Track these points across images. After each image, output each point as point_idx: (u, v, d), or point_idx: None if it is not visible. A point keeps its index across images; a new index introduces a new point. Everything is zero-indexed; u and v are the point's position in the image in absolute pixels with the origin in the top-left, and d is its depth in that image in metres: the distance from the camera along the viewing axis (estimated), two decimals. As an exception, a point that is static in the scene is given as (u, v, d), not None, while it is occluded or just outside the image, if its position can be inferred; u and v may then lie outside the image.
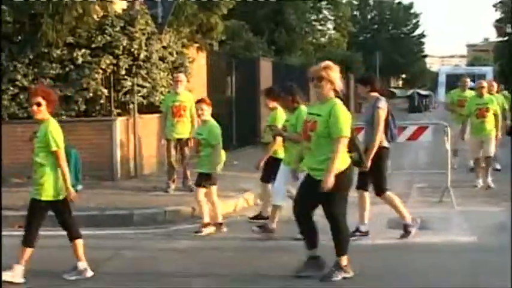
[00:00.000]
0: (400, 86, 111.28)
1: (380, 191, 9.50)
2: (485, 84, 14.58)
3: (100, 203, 11.63)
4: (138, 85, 14.85)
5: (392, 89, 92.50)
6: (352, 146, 7.68)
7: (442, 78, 52.60)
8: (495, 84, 16.71)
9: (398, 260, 8.45)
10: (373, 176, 9.31)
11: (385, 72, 76.12)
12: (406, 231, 9.44)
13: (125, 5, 15.70)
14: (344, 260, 7.41)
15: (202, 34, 18.17)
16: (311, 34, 47.78)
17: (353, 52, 57.12)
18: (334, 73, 7.34)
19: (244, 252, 8.97)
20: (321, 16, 51.26)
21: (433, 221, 10.58)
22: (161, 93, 15.33)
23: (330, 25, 53.35)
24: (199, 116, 10.51)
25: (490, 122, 13.90)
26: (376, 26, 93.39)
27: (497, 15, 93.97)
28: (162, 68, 15.66)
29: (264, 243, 9.44)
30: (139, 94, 14.91)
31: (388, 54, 79.24)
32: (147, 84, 15.11)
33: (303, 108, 9.12)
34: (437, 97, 55.33)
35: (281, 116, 10.07)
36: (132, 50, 14.63)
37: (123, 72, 14.66)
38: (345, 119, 7.25)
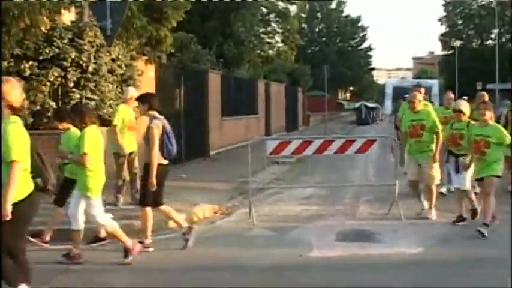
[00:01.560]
0: (348, 98, 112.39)
1: (158, 205, 9.68)
2: (419, 97, 12.35)
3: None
4: (86, 98, 14.70)
5: (340, 101, 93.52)
6: (36, 171, 6.62)
7: (389, 91, 53.30)
8: (452, 96, 15.27)
9: (347, 272, 8.51)
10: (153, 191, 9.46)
11: (333, 84, 76.68)
12: (186, 240, 9.67)
13: (73, 16, 15.57)
14: None
15: (151, 47, 18.11)
16: (259, 47, 47.95)
17: (301, 65, 57.51)
18: (7, 87, 6.34)
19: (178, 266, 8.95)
20: (269, 29, 51.55)
21: (381, 233, 10.67)
22: (109, 106, 15.21)
23: (278, 38, 53.65)
24: None
25: (427, 142, 11.89)
26: (324, 39, 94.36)
27: (443, 29, 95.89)
28: (110, 80, 15.55)
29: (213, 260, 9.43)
30: (87, 107, 14.76)
31: (335, 67, 79.83)
32: (96, 97, 14.97)
33: (90, 128, 8.99)
34: (384, 109, 56.02)
35: (75, 135, 9.55)
36: (81, 62, 14.51)
37: (71, 84, 14.52)
38: (16, 141, 6.19)
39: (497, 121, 14.41)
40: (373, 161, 19.76)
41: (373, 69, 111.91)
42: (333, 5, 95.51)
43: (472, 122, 11.28)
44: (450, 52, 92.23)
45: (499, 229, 10.51)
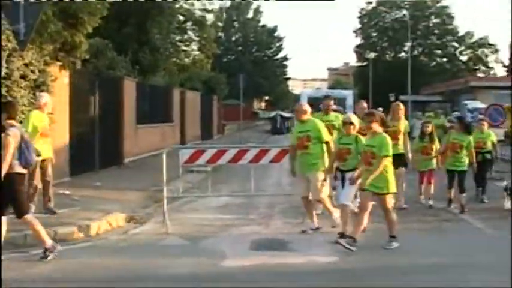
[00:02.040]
0: (263, 107, 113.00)
1: (20, 215, 9.48)
2: (305, 107, 11.86)
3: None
4: (-3, 103, 14.34)
5: (255, 111, 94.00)
6: None
7: (303, 101, 53.81)
8: (365, 105, 14.64)
9: (261, 282, 8.55)
10: (12, 201, 9.36)
11: (249, 93, 76.98)
12: (45, 255, 9.40)
13: (-16, 20, 15.17)
14: None
15: (65, 52, 17.78)
16: (175, 54, 47.73)
17: (217, 73, 57.53)
18: None
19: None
20: (185, 37, 51.39)
21: (295, 242, 10.76)
22: (22, 112, 14.87)
23: (195, 46, 53.54)
24: None
25: (314, 154, 11.43)
26: (240, 48, 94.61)
27: (358, 41, 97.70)
28: (23, 86, 15.20)
29: (125, 267, 9.34)
30: (-2, 112, 14.40)
31: (251, 76, 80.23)
32: (7, 103, 14.62)
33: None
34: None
35: None
36: (-8, 66, 14.15)
37: (-18, 89, 14.13)
38: None
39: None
40: (287, 170, 19.88)
41: (288, 79, 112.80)
42: (250, 15, 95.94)
43: (360, 136, 11.02)
44: (364, 63, 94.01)
45: (410, 238, 10.78)
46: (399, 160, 13.95)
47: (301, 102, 11.95)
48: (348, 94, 51.38)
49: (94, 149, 19.94)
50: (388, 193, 10.32)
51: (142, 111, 26.42)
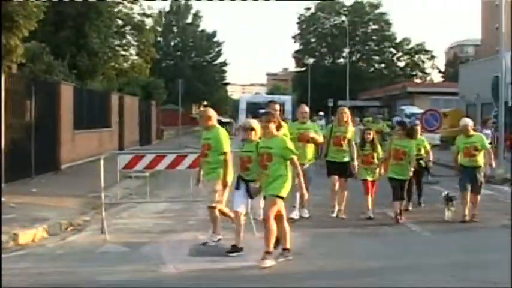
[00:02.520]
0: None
1: None
2: (210, 112, 11.44)
3: None
4: None
5: (194, 116, 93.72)
6: None
7: (242, 106, 53.87)
8: (306, 109, 14.14)
9: (201, 286, 8.53)
10: None
11: (188, 99, 76.78)
12: None
13: None
14: None
15: (1, 56, 17.50)
16: (114, 59, 47.28)
17: (156, 78, 57.24)
18: None
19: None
20: (124, 41, 50.93)
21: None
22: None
23: (133, 51, 53.10)
24: None
25: (211, 162, 11.10)
26: (179, 53, 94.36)
27: (297, 46, 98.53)
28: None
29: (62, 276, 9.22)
30: None
31: (190, 81, 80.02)
32: None
33: None
34: (238, 124, 56.53)
35: None
36: None
37: None
38: None
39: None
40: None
41: (227, 84, 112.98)
42: (189, 19, 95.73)
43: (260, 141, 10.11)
44: (303, 69, 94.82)
45: (348, 241, 10.90)
46: (342, 169, 14.00)
47: (208, 109, 11.02)
48: (287, 99, 51.58)
49: (30, 155, 19.59)
50: (277, 196, 9.66)
51: (80, 117, 26.10)
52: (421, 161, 15.57)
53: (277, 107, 13.05)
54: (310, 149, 13.81)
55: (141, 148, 37.29)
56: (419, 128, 16.33)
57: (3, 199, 14.35)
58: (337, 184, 13.94)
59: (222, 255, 10.12)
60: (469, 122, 14.14)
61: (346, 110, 14.42)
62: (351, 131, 14.10)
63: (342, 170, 13.90)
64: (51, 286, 8.53)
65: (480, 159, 13.86)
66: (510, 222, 12.53)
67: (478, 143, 13.83)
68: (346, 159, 13.93)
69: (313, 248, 10.65)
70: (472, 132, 14.01)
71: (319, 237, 10.96)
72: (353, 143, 14.11)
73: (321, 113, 33.23)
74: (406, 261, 9.97)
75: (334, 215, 13.84)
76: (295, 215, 13.27)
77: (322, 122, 33.26)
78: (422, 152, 15.72)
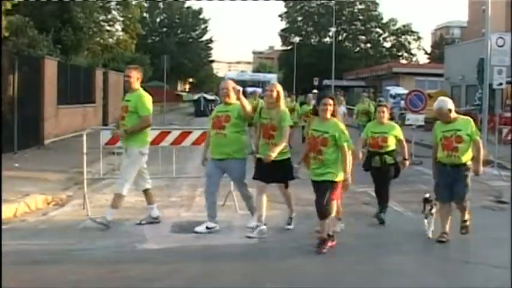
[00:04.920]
0: (187, 90, 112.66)
1: None
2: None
3: None
4: None
5: (179, 93, 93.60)
6: None
7: (228, 83, 53.92)
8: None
9: (182, 263, 8.54)
10: None
11: (173, 75, 76.57)
12: None
13: None
14: None
15: (-17, 30, 17.39)
16: (99, 34, 47.05)
17: (141, 54, 57.05)
18: None
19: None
20: (109, 16, 50.65)
21: (216, 225, 10.77)
22: None
23: (119, 26, 52.87)
24: None
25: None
26: (165, 30, 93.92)
27: (283, 25, 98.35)
28: None
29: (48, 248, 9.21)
30: None
31: (176, 58, 79.81)
32: None
33: None
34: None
35: None
36: None
37: None
38: None
39: None
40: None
41: (213, 61, 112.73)
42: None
43: None
44: (289, 47, 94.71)
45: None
46: None
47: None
48: (272, 77, 51.59)
49: (13, 130, 19.49)
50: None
51: (64, 92, 25.98)
52: (387, 157, 11.37)
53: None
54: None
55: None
56: (386, 111, 11.67)
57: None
58: None
59: (204, 232, 10.15)
60: (447, 104, 10.10)
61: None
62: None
63: None
64: (32, 261, 8.51)
65: (465, 153, 9.89)
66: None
67: (463, 130, 9.91)
68: None
69: (297, 225, 10.68)
70: (453, 117, 10.05)
71: (301, 216, 10.97)
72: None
73: (315, 91, 31.82)
74: (386, 240, 10.03)
75: None
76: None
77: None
78: (391, 143, 11.37)
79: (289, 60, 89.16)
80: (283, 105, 10.31)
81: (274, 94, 10.19)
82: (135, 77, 11.11)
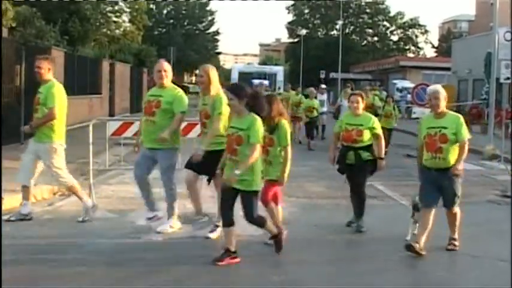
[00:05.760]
0: (194, 81, 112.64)
1: None
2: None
3: None
4: None
5: (185, 84, 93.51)
6: None
7: (234, 76, 53.82)
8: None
9: (186, 251, 8.55)
10: None
11: (179, 67, 76.57)
12: None
13: None
14: None
15: (-9, 20, 17.39)
16: (106, 25, 47.10)
17: (148, 46, 57.06)
18: None
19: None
20: (116, 8, 50.68)
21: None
22: None
23: (126, 17, 52.91)
24: None
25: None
26: (171, 21, 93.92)
27: (290, 17, 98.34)
28: None
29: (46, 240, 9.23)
30: None
31: (182, 49, 79.86)
32: None
33: None
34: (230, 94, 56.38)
35: None
36: None
37: None
38: None
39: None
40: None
41: (219, 53, 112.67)
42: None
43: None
44: (296, 40, 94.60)
45: (339, 213, 10.92)
46: None
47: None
48: (279, 70, 51.61)
49: (20, 120, 19.50)
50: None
51: (71, 82, 25.98)
52: (363, 152, 10.11)
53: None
54: None
55: (132, 115, 37.19)
56: (361, 101, 10.25)
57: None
58: None
59: (209, 222, 10.13)
60: (444, 91, 8.94)
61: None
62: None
63: None
64: (38, 251, 8.53)
65: (451, 155, 8.62)
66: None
67: (449, 128, 8.63)
68: None
69: (299, 219, 10.69)
70: (442, 109, 8.79)
71: (306, 208, 10.99)
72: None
73: (323, 86, 30.24)
74: (393, 235, 10.01)
75: None
76: None
77: (324, 96, 28.38)
78: (367, 138, 10.11)
79: (295, 53, 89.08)
80: (216, 90, 9.43)
81: (205, 79, 9.48)
82: (46, 67, 10.86)
